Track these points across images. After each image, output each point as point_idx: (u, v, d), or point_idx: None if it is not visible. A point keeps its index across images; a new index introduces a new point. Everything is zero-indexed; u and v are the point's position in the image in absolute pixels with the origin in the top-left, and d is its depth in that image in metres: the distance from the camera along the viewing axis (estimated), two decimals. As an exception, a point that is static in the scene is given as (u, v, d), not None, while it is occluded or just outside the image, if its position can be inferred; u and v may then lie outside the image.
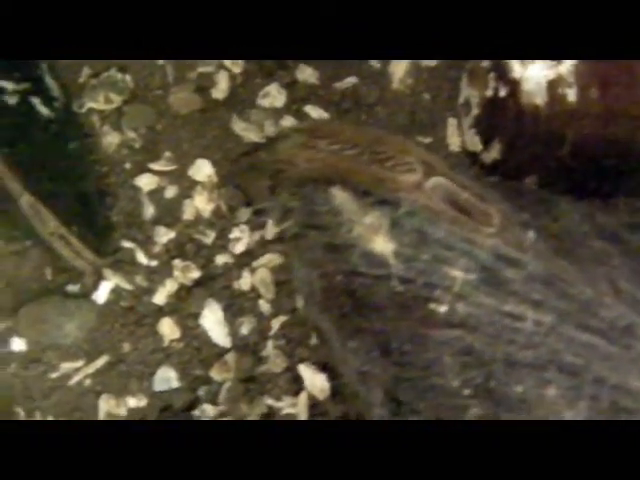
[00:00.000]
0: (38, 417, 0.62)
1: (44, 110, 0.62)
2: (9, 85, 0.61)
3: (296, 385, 0.61)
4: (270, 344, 0.62)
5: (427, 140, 0.67)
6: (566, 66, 0.61)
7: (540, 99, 0.61)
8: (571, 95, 0.61)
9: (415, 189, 0.45)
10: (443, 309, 0.47)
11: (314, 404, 0.60)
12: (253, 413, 0.60)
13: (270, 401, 0.60)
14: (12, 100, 0.60)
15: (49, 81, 0.64)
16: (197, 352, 0.63)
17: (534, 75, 0.62)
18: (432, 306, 0.46)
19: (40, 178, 0.60)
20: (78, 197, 0.62)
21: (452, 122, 0.68)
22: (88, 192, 0.63)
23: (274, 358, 0.62)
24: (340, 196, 0.45)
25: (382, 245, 0.45)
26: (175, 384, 0.62)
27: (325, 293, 0.48)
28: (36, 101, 0.62)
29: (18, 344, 0.63)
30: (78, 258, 0.61)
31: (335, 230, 0.46)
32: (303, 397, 0.60)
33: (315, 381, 0.60)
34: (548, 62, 0.61)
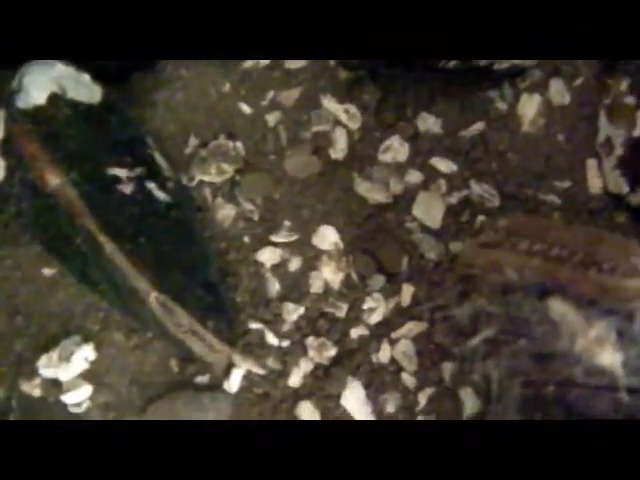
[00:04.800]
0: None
1: (161, 195, 0.57)
2: (123, 172, 0.56)
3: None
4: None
5: (565, 184, 0.63)
6: None
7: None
8: None
9: (645, 295, 0.40)
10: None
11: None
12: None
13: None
14: (128, 189, 0.55)
15: (159, 160, 0.59)
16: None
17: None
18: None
19: (166, 271, 0.55)
20: (205, 285, 0.57)
21: (592, 164, 0.63)
22: (214, 278, 0.58)
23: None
24: (560, 308, 0.40)
25: (609, 357, 0.40)
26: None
27: (529, 402, 0.43)
28: (152, 186, 0.57)
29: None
30: (211, 352, 0.57)
31: (546, 340, 0.41)
32: None
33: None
34: None
